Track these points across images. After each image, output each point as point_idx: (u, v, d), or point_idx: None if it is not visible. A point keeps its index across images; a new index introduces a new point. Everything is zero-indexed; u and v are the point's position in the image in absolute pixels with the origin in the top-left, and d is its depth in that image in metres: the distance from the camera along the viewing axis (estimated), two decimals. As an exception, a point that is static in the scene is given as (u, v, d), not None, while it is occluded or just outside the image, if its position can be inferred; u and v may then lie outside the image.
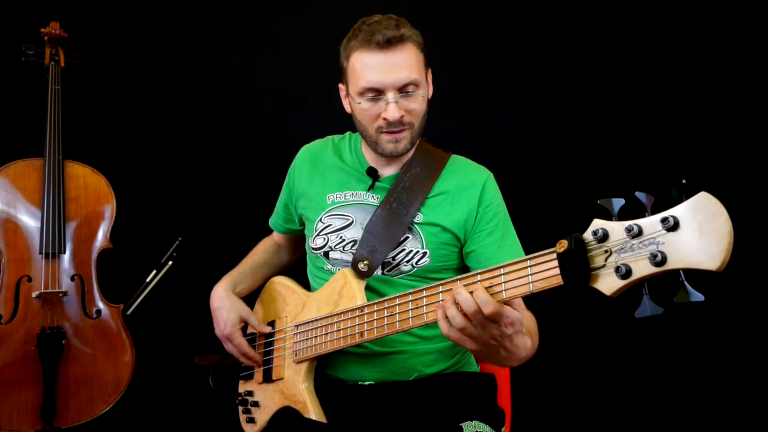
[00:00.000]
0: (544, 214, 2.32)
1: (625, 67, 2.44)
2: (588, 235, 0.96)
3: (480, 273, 1.14)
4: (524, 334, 1.18)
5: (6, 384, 2.11)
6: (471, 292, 1.10)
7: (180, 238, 2.32)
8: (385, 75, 1.44)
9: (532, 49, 2.52)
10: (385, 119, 1.46)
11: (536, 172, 2.50)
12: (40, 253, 2.20)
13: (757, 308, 2.31)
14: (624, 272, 0.90)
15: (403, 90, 1.45)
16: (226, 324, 1.61)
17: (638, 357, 2.43)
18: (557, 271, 1.00)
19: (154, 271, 2.29)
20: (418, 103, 1.48)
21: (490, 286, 1.12)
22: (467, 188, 1.55)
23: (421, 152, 1.59)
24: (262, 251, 1.85)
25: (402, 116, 1.47)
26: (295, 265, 1.88)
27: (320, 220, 1.60)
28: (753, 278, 2.27)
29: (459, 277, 1.18)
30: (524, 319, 1.38)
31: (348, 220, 1.57)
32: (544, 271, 1.02)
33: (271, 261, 1.84)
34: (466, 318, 1.11)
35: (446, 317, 1.14)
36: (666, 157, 2.37)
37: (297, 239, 1.84)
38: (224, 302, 1.63)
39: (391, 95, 1.45)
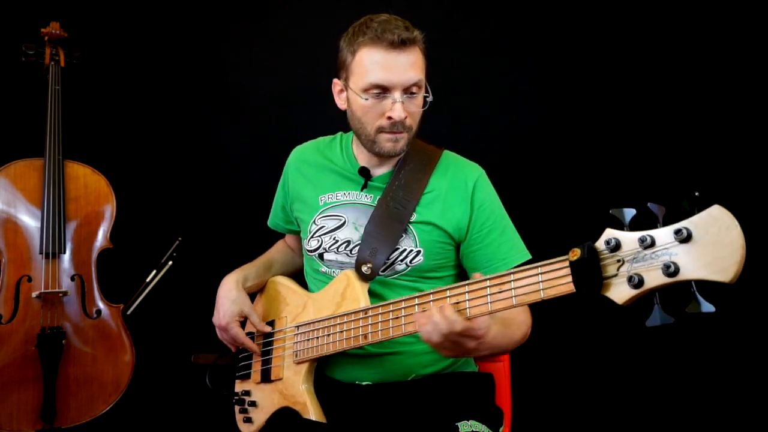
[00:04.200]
0: (546, 218, 2.33)
1: (632, 72, 2.43)
2: (601, 244, 0.98)
3: (489, 278, 1.16)
4: (496, 324, 1.28)
5: (6, 384, 2.10)
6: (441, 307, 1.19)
7: (180, 238, 2.32)
8: (395, 74, 1.44)
9: (532, 49, 2.53)
10: (389, 118, 1.46)
11: (539, 176, 2.51)
12: (40, 253, 2.19)
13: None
14: (636, 282, 0.92)
15: (408, 91, 1.46)
16: (225, 314, 1.62)
17: (639, 360, 2.43)
18: (569, 279, 1.01)
19: (154, 271, 2.28)
20: (417, 106, 1.49)
21: (500, 292, 1.13)
22: (459, 187, 1.56)
23: (413, 149, 1.59)
24: (276, 251, 1.86)
25: (405, 117, 1.47)
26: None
27: (314, 222, 1.61)
28: (764, 290, 2.25)
29: (467, 282, 1.20)
30: (512, 311, 1.40)
31: (340, 220, 1.57)
32: (556, 278, 1.04)
33: (284, 262, 1.84)
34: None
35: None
36: (674, 166, 2.33)
37: None
38: (231, 293, 1.64)
39: (397, 95, 1.45)
